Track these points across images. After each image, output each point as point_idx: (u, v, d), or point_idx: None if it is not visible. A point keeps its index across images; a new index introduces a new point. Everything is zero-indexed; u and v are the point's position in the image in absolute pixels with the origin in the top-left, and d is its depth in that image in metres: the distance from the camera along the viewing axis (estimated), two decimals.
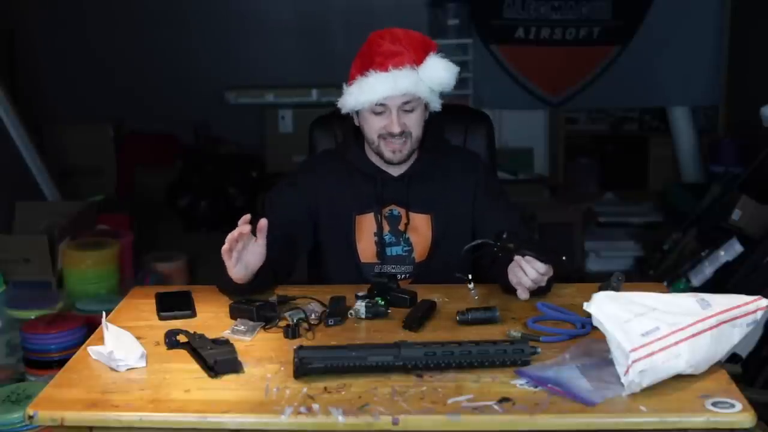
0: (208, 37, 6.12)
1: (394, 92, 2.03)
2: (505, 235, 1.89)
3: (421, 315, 1.86)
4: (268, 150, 5.92)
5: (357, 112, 2.13)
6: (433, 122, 2.22)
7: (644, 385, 1.50)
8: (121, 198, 5.66)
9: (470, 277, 1.97)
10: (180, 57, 6.04)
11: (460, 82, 2.20)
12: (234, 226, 1.82)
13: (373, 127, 2.09)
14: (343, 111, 2.15)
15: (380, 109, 2.07)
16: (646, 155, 5.83)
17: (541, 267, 1.87)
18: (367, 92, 2.04)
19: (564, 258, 1.89)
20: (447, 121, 2.34)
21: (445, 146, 2.27)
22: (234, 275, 1.89)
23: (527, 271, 1.87)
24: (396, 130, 2.06)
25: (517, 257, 1.88)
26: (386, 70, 2.03)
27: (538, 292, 1.94)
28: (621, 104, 5.92)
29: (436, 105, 2.15)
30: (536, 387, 1.54)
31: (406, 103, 2.06)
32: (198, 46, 6.09)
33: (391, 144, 2.09)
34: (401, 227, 2.17)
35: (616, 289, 1.88)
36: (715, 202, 4.08)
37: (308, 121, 2.52)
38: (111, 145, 5.87)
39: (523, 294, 1.92)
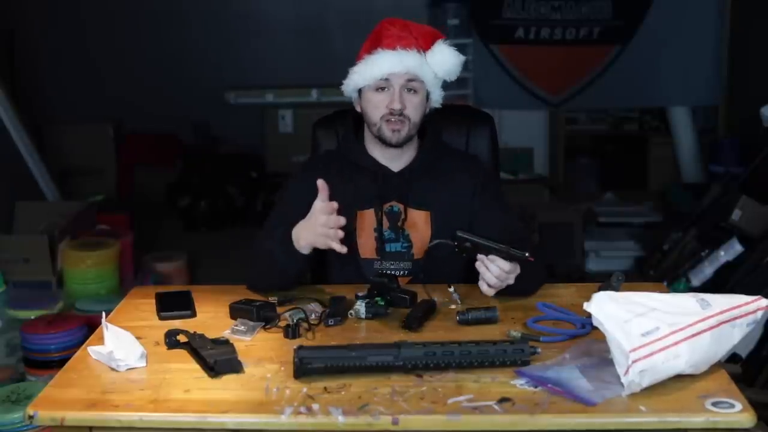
0: (208, 37, 6.13)
1: (399, 68, 2.07)
2: (459, 233, 1.91)
3: (421, 315, 1.86)
4: (268, 150, 5.92)
5: (360, 96, 2.15)
6: (433, 123, 2.23)
7: (644, 385, 1.50)
8: (121, 198, 5.67)
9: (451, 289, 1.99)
10: (180, 57, 6.04)
11: (460, 82, 2.22)
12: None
13: (375, 105, 2.11)
14: (347, 92, 2.18)
15: (383, 84, 2.09)
16: (646, 155, 5.82)
17: (506, 265, 1.88)
18: (372, 67, 2.08)
19: (527, 255, 1.86)
20: (449, 121, 2.34)
21: (445, 147, 2.28)
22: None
23: (490, 269, 1.88)
24: (397, 106, 2.08)
25: (480, 256, 1.89)
26: (394, 49, 2.08)
27: (509, 292, 1.94)
28: (621, 104, 5.92)
29: (437, 98, 2.18)
30: (536, 387, 1.54)
31: (409, 81, 2.09)
32: (198, 46, 6.10)
33: (392, 124, 2.11)
34: (400, 223, 2.17)
35: (616, 289, 1.88)
36: (715, 202, 4.07)
37: (308, 121, 2.53)
38: (111, 145, 5.88)
39: (484, 288, 1.92)
